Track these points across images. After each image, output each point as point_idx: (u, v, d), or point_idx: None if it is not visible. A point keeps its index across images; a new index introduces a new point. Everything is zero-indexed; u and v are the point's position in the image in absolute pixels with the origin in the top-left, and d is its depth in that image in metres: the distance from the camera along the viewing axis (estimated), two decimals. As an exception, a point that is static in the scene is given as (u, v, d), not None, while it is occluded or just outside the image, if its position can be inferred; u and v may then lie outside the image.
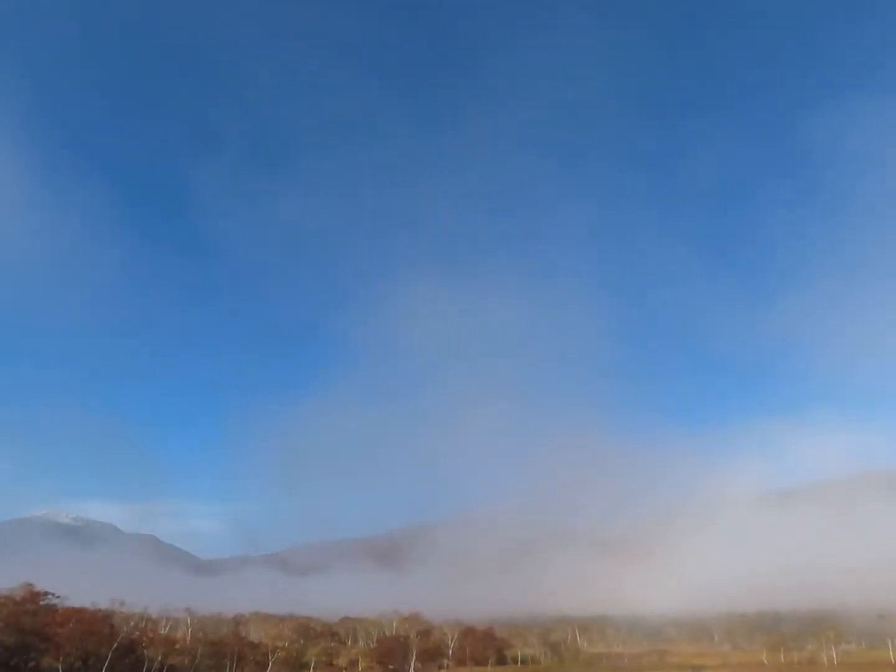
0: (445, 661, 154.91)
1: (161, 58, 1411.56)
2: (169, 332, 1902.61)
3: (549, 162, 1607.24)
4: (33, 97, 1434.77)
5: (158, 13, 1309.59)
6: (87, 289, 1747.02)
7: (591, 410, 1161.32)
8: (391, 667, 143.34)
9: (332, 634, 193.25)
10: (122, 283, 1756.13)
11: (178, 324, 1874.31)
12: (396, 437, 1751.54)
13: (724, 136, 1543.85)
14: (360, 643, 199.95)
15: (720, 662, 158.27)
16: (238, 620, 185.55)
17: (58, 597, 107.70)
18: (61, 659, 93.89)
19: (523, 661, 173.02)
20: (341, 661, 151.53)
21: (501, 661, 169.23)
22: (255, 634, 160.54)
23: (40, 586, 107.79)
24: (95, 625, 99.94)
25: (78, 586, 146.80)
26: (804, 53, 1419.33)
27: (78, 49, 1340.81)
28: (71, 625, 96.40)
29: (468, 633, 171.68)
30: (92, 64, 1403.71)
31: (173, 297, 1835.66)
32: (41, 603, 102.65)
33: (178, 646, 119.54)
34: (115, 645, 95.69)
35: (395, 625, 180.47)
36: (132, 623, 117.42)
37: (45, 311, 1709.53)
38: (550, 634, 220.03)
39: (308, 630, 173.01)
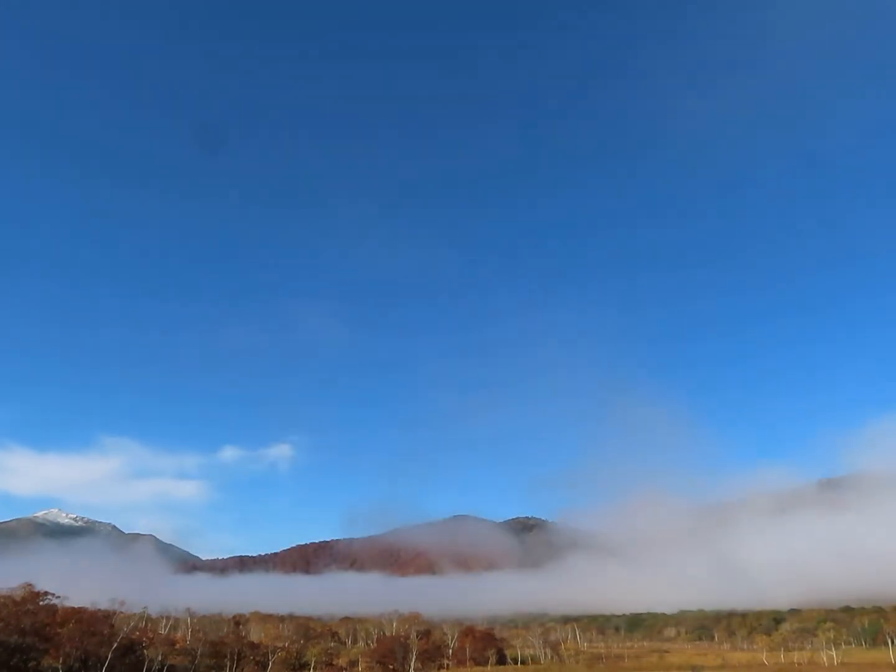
0: (445, 662, 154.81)
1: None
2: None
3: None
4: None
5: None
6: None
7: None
8: (391, 667, 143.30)
9: (332, 634, 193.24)
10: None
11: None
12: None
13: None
14: (360, 643, 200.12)
15: (720, 663, 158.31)
16: (238, 620, 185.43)
17: (58, 597, 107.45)
18: (61, 659, 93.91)
19: (523, 662, 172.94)
20: (341, 661, 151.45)
21: (501, 660, 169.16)
22: (254, 634, 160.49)
23: (40, 586, 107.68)
24: (95, 625, 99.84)
25: (78, 586, 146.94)
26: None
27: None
28: (71, 625, 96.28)
29: (468, 632, 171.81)
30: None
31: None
32: (41, 603, 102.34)
33: (178, 646, 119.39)
34: (115, 645, 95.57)
35: (394, 625, 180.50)
36: (132, 623, 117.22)
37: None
38: (551, 634, 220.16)
39: (308, 630, 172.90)
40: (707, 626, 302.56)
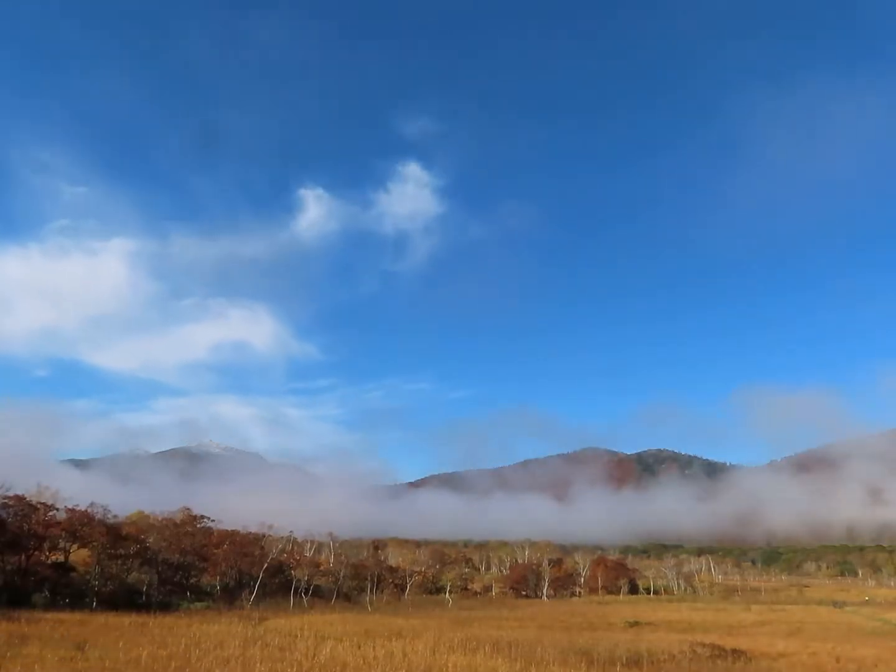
0: (577, 589, 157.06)
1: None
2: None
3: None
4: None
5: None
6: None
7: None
8: (524, 593, 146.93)
9: (466, 560, 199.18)
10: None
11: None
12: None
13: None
14: (493, 569, 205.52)
15: (865, 599, 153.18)
16: (377, 545, 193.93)
17: (213, 520, 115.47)
18: (218, 577, 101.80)
19: (656, 592, 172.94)
20: (475, 587, 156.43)
21: (633, 590, 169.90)
22: (392, 559, 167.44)
23: (196, 511, 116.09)
24: (247, 546, 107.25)
25: (228, 511, 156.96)
26: None
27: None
28: (225, 546, 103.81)
29: (600, 562, 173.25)
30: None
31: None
32: (198, 526, 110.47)
33: (322, 567, 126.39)
34: (266, 565, 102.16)
35: (526, 552, 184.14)
36: (279, 546, 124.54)
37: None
38: (684, 566, 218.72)
39: (443, 556, 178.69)
40: (850, 561, 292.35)
